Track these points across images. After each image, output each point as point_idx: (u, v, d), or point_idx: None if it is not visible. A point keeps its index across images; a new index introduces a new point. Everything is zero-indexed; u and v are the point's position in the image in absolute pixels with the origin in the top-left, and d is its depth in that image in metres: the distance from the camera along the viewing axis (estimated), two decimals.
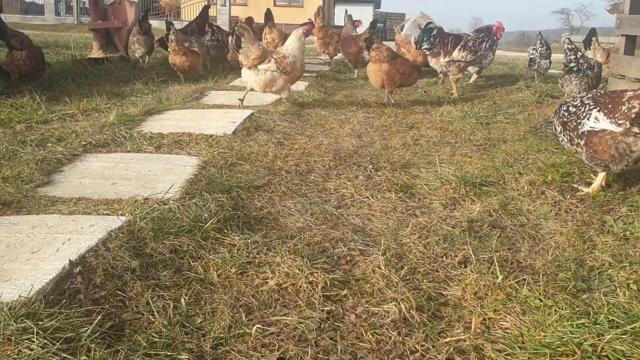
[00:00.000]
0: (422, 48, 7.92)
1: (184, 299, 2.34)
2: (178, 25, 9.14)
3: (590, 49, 8.56)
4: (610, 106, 3.41)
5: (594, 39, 8.73)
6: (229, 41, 9.18)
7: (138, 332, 2.10)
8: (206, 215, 2.98)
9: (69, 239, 2.67)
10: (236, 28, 5.95)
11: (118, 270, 2.47)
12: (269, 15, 9.62)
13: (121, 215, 2.99)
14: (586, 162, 3.65)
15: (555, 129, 3.85)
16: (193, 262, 2.65)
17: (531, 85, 8.15)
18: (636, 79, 6.04)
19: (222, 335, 2.12)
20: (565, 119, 3.71)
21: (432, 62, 8.05)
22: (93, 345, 1.95)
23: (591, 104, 3.53)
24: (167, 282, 2.47)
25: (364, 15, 14.71)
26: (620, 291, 2.42)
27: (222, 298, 2.37)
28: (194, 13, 21.18)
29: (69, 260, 2.43)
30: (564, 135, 3.74)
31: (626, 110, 3.30)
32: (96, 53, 9.22)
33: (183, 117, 5.55)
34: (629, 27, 6.40)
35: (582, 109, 3.57)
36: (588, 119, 3.51)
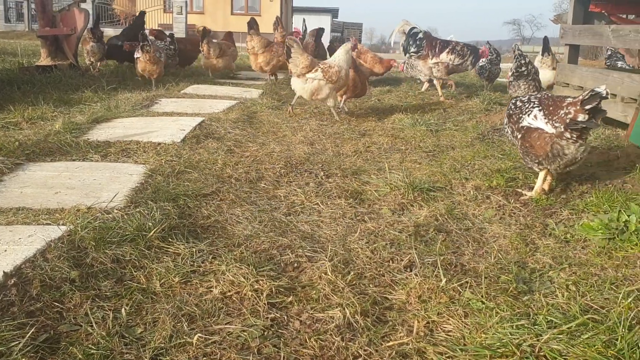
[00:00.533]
0: (410, 52, 8.12)
1: (125, 309, 2.28)
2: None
3: (550, 55, 8.79)
4: (551, 108, 3.58)
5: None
6: (205, 49, 9.67)
7: (74, 344, 2.04)
8: (150, 224, 2.93)
9: (5, 250, 2.58)
10: (286, 41, 6.36)
11: (56, 281, 2.40)
12: (251, 24, 9.74)
13: (62, 225, 2.91)
14: (521, 155, 3.85)
15: (504, 120, 4.08)
16: (135, 271, 2.59)
17: (480, 94, 8.34)
18: (579, 87, 6.25)
19: (162, 345, 2.08)
20: (511, 112, 3.92)
21: (420, 65, 8.28)
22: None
23: (536, 102, 3.72)
24: (107, 293, 2.41)
25: (322, 24, 14.80)
26: (559, 292, 2.48)
27: (164, 307, 2.32)
28: (149, 20, 20.94)
29: (3, 271, 2.35)
30: (507, 126, 3.95)
31: (563, 115, 3.46)
32: (44, 60, 8.98)
33: (132, 125, 5.45)
34: (571, 36, 6.63)
35: (527, 105, 3.77)
36: (528, 115, 3.70)
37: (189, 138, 4.99)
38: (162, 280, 2.52)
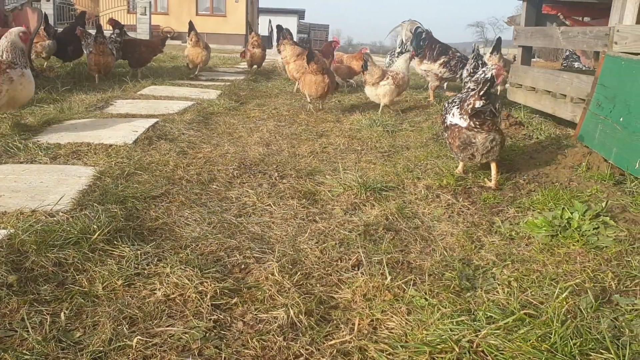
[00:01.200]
0: (419, 54, 8.29)
1: (64, 313, 2.24)
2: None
3: (498, 55, 8.95)
4: (462, 104, 3.92)
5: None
6: (194, 38, 10.30)
7: (7, 350, 1.98)
8: (95, 226, 2.88)
9: None
10: (363, 55, 7.30)
11: None
12: (284, 34, 9.72)
13: (2, 228, 2.84)
14: (450, 151, 4.24)
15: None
16: (78, 275, 2.54)
17: (438, 95, 8.45)
18: (532, 88, 6.38)
19: (101, 348, 2.05)
20: (442, 114, 4.32)
21: (415, 63, 8.51)
22: None
23: (457, 102, 4.07)
24: (47, 297, 2.36)
25: (289, 25, 14.78)
26: (501, 289, 2.52)
27: (106, 311, 2.28)
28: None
29: None
30: (440, 128, 4.29)
31: (467, 107, 3.82)
32: None
33: (84, 127, 5.34)
34: (524, 38, 6.77)
35: (450, 106, 4.12)
36: (449, 114, 4.06)
37: (142, 139, 4.92)
38: (105, 283, 2.48)
